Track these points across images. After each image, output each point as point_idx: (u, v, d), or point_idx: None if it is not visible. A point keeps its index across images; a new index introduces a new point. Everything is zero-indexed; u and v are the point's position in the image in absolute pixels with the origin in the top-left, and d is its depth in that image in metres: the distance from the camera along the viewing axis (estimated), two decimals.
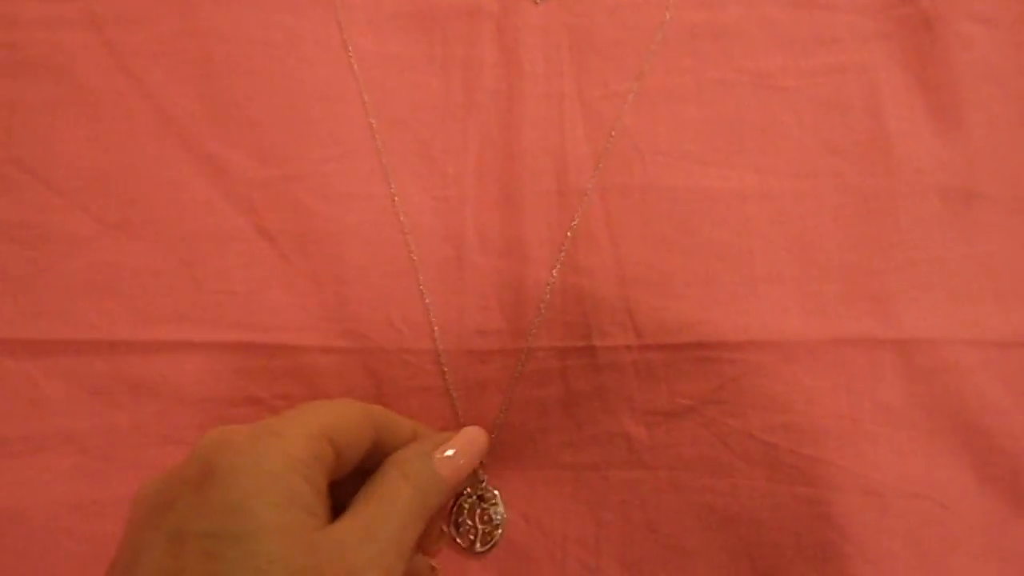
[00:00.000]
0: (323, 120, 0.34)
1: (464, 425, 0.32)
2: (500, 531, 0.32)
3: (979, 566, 0.31)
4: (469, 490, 0.32)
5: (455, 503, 0.32)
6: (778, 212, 0.34)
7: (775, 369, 0.32)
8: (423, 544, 0.27)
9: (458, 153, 0.34)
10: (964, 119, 0.35)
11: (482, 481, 0.32)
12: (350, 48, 0.35)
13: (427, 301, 0.32)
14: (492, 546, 0.32)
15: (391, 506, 0.24)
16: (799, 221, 0.34)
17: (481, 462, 0.31)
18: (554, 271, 0.33)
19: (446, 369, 0.32)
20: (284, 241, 0.33)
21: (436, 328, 0.32)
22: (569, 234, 0.33)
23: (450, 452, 0.27)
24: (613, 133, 0.34)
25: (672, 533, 0.31)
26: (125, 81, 0.34)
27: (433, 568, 0.28)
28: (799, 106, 0.35)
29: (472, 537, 0.32)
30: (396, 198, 0.34)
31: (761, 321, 0.32)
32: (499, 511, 0.32)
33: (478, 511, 0.32)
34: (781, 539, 0.31)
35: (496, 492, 0.32)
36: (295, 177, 0.33)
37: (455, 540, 0.32)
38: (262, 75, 0.34)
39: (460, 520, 0.32)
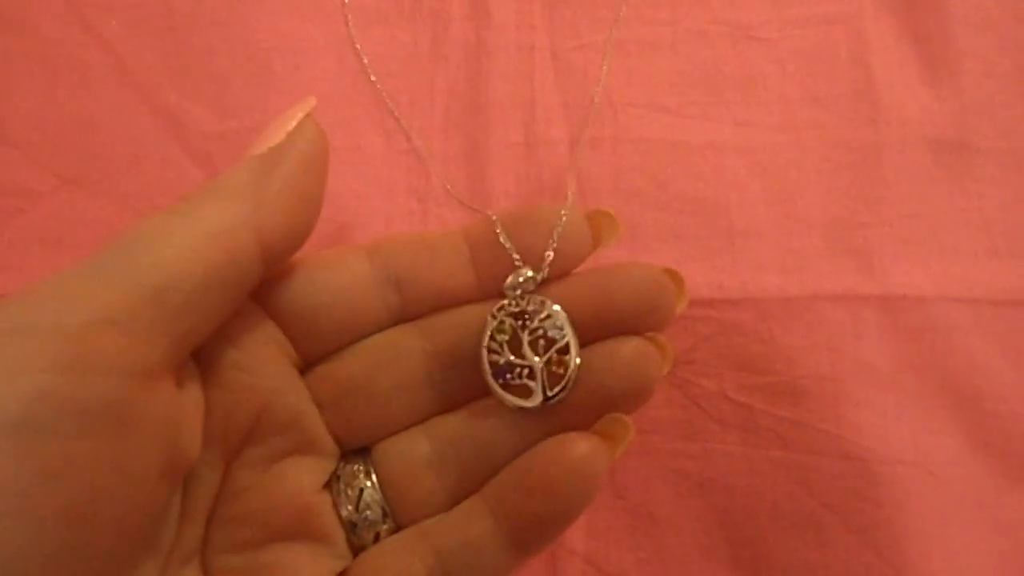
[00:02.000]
0: (285, 72, 0.33)
1: None
2: (573, 361, 0.21)
3: (970, 537, 0.29)
4: (503, 306, 0.20)
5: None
6: (757, 165, 0.32)
7: (751, 328, 0.30)
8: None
9: (424, 106, 0.33)
10: (957, 69, 0.33)
11: (517, 286, 0.20)
12: None
13: None
14: (565, 389, 0.21)
15: None
16: (779, 174, 0.32)
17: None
18: None
19: None
20: None
21: None
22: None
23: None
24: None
25: (640, 500, 0.30)
26: (83, 32, 0.33)
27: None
28: (782, 57, 0.33)
29: (529, 380, 0.20)
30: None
31: (737, 278, 0.31)
32: (559, 323, 0.20)
33: (525, 336, 0.20)
34: (757, 506, 0.29)
35: (547, 301, 0.21)
36: (254, 129, 0.32)
37: (501, 395, 0.21)
38: (224, 27, 0.33)
39: (496, 359, 0.21)
